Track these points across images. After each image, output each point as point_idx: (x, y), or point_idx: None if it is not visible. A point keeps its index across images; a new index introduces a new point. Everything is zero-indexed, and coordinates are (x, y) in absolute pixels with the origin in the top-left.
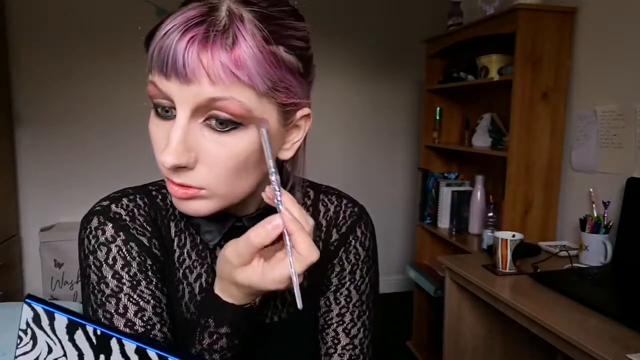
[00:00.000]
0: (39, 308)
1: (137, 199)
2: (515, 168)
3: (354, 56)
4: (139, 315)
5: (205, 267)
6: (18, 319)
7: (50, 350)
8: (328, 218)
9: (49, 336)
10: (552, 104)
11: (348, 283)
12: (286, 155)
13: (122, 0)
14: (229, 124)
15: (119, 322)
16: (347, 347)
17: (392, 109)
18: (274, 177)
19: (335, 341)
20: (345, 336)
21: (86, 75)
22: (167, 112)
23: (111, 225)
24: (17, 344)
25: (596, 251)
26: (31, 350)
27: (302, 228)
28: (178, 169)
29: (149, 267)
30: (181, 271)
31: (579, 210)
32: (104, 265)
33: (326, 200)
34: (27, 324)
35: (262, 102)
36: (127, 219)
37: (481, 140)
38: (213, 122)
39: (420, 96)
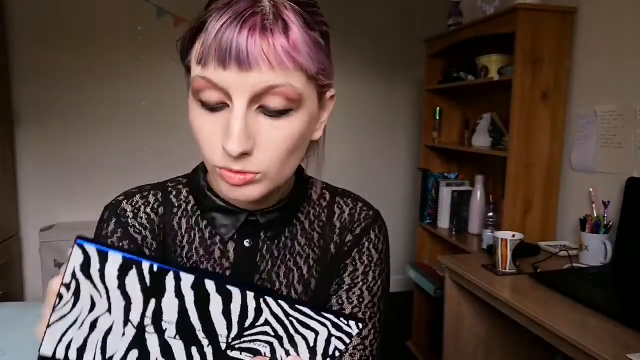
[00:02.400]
0: (91, 249)
1: (150, 196)
2: (515, 168)
3: (354, 56)
4: None
5: (211, 262)
6: (18, 319)
7: (92, 307)
8: (343, 220)
9: (95, 286)
10: (552, 104)
11: (361, 284)
12: (317, 135)
13: (123, 1)
14: (281, 108)
15: None
16: (359, 348)
17: (392, 109)
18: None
19: None
20: (357, 336)
21: (87, 76)
22: (212, 104)
23: (114, 220)
24: (55, 305)
25: (596, 251)
26: (69, 312)
27: None
28: (238, 156)
29: None
30: (188, 266)
31: (579, 210)
32: None
33: (342, 202)
34: (73, 275)
35: (309, 85)
36: (130, 215)
37: (481, 140)
38: (267, 109)
39: (420, 96)
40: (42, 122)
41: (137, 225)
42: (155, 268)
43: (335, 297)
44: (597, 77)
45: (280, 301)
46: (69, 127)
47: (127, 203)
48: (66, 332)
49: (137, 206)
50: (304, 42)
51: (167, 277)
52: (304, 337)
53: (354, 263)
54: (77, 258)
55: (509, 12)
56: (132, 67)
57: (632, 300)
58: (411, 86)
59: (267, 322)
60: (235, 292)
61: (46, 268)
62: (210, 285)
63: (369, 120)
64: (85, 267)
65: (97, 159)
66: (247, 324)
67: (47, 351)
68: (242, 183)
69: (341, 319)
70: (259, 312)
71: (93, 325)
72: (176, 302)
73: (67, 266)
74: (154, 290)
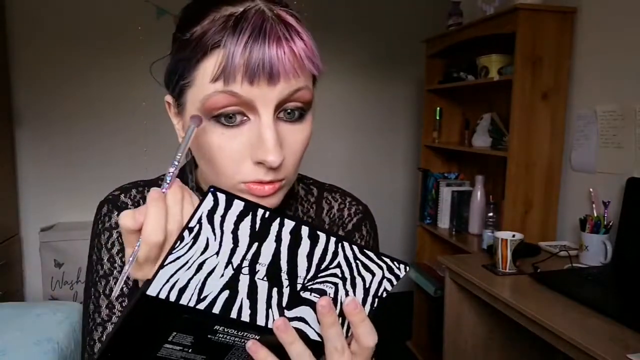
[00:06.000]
0: (221, 196)
1: (145, 191)
2: (515, 168)
3: (354, 56)
4: (119, 300)
5: None
6: (18, 319)
7: (204, 250)
8: (331, 215)
9: (213, 230)
10: (552, 104)
11: None
12: None
13: (123, 1)
14: (297, 113)
15: (103, 303)
16: None
17: (392, 109)
18: (173, 169)
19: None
20: None
21: (86, 76)
22: (230, 119)
23: (117, 213)
24: (174, 247)
25: (596, 251)
26: (184, 254)
27: None
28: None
29: None
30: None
31: (579, 210)
32: (104, 248)
33: (330, 198)
34: (199, 220)
35: (313, 84)
36: (132, 208)
37: (481, 140)
38: (283, 114)
39: (420, 96)
40: (42, 122)
41: None
42: (267, 214)
43: None
44: (597, 77)
45: (353, 246)
46: (69, 127)
47: (125, 197)
48: (175, 272)
49: (135, 199)
50: (313, 44)
51: (274, 223)
52: (363, 279)
53: None
54: (207, 204)
55: (509, 12)
56: (132, 67)
57: (632, 300)
58: (411, 86)
59: (338, 265)
60: (322, 237)
61: (46, 268)
62: (305, 230)
63: (369, 120)
64: (211, 212)
65: (97, 159)
66: (323, 265)
67: (153, 291)
68: (273, 192)
69: (395, 262)
70: (335, 255)
71: (199, 267)
72: (274, 245)
73: (194, 213)
74: (259, 235)
